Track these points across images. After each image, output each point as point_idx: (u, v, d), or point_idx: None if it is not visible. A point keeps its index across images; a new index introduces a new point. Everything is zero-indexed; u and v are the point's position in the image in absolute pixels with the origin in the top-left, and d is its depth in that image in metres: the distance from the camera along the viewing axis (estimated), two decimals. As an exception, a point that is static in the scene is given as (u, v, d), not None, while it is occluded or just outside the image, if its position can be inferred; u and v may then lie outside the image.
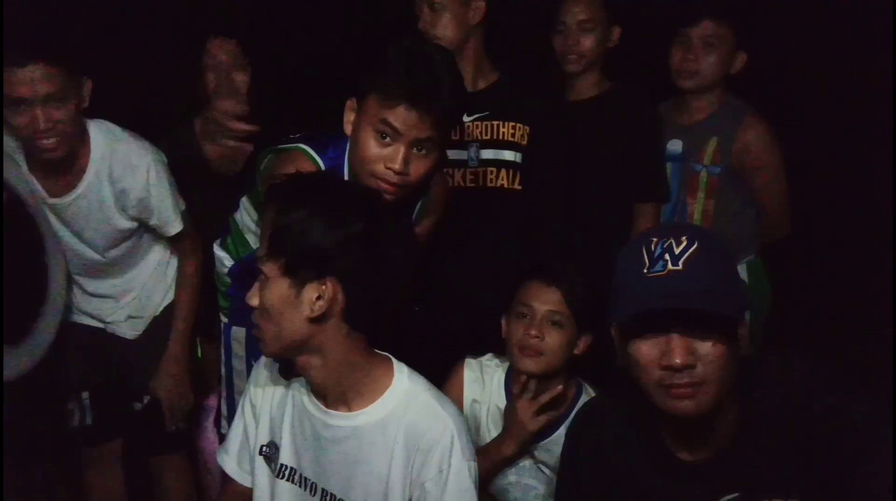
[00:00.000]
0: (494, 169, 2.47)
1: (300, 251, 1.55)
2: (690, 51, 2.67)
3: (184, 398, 2.64)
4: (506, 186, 2.48)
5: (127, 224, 2.51)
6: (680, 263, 1.45)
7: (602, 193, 2.62)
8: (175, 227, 2.54)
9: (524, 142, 2.47)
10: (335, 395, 1.64)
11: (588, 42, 2.65)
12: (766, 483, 1.50)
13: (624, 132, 2.60)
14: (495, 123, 2.47)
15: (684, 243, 1.46)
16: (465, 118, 2.46)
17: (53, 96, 2.27)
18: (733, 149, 2.66)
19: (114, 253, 2.57)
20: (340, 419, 1.64)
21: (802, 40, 3.05)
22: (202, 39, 2.68)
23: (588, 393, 2.15)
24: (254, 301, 1.58)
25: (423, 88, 1.83)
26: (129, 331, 2.68)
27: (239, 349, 2.32)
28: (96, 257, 2.55)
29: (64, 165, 2.40)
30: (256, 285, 1.59)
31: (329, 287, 1.56)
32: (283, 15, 3.41)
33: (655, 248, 1.47)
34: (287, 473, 1.70)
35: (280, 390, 1.73)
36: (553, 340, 2.07)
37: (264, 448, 1.73)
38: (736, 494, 1.52)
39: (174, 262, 2.67)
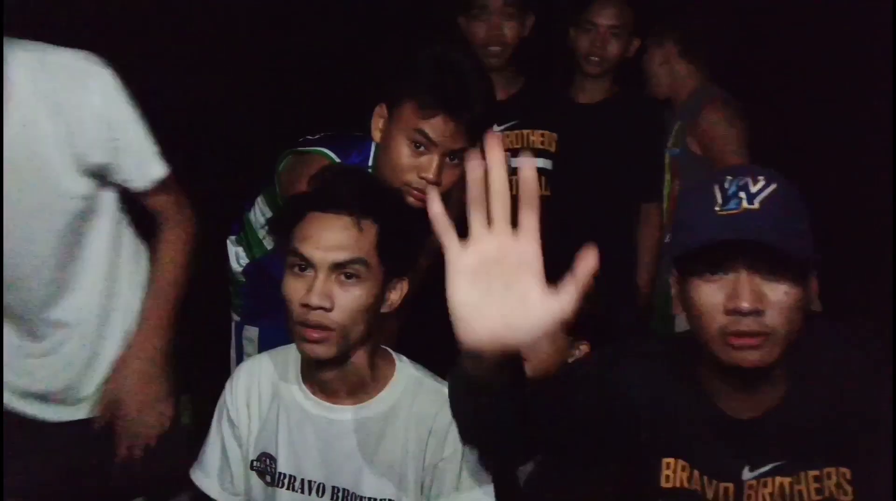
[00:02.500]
0: None
1: (404, 254, 1.60)
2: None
3: (151, 412, 1.82)
4: (539, 193, 2.49)
5: (82, 186, 1.67)
6: (756, 201, 1.34)
7: (607, 193, 2.65)
8: (157, 168, 1.79)
9: (553, 148, 2.51)
10: (345, 388, 1.63)
11: (615, 47, 2.68)
12: (814, 450, 1.44)
13: (631, 135, 2.64)
14: (525, 131, 2.51)
15: (762, 183, 1.36)
16: (496, 128, 2.48)
17: None
18: (692, 132, 2.74)
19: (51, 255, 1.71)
20: (347, 413, 1.64)
21: (803, 42, 3.06)
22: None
23: None
24: (326, 303, 1.52)
25: (460, 98, 1.82)
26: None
27: (251, 348, 2.30)
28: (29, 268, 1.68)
29: None
30: (318, 285, 1.52)
31: (405, 285, 1.62)
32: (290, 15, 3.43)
33: (729, 186, 1.36)
34: (286, 481, 1.67)
35: (265, 401, 1.70)
36: (542, 348, 2.01)
37: (255, 463, 1.70)
38: (783, 461, 1.45)
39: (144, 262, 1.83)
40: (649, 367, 1.53)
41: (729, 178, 1.38)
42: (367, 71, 2.63)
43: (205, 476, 1.76)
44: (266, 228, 1.75)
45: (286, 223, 1.59)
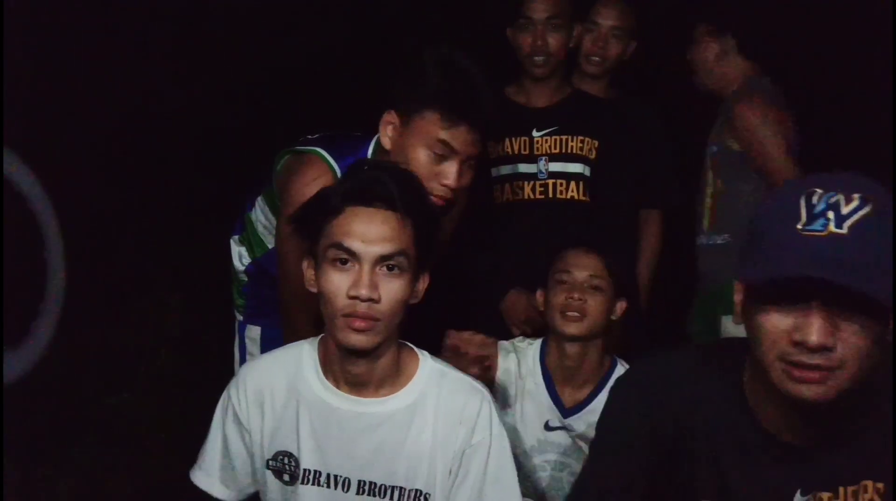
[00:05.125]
0: (563, 181, 2.55)
1: (431, 248, 1.63)
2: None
3: None
4: (576, 197, 2.56)
5: None
6: (845, 226, 1.20)
7: (606, 197, 2.66)
8: None
9: (593, 156, 2.56)
10: (373, 382, 1.63)
11: (615, 48, 2.72)
12: (858, 467, 1.38)
13: (629, 138, 2.65)
14: (564, 137, 2.57)
15: (855, 203, 1.22)
16: (535, 133, 2.57)
17: None
18: (729, 128, 2.69)
19: None
20: (374, 406, 1.64)
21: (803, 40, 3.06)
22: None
23: (624, 366, 2.15)
24: (375, 294, 1.54)
25: (479, 108, 1.88)
26: None
27: (253, 347, 2.31)
28: None
29: None
30: (365, 277, 1.54)
31: (427, 278, 1.65)
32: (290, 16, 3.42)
33: (818, 202, 1.23)
34: (311, 477, 1.66)
35: (279, 400, 1.68)
36: (595, 302, 2.09)
37: (271, 462, 1.69)
38: (828, 479, 1.38)
39: None
40: (686, 391, 1.43)
41: (819, 191, 1.25)
42: (367, 72, 2.64)
43: (206, 476, 1.75)
44: (296, 223, 1.75)
45: (321, 218, 1.59)
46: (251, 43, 3.56)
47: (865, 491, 1.38)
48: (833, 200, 1.23)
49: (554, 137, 2.57)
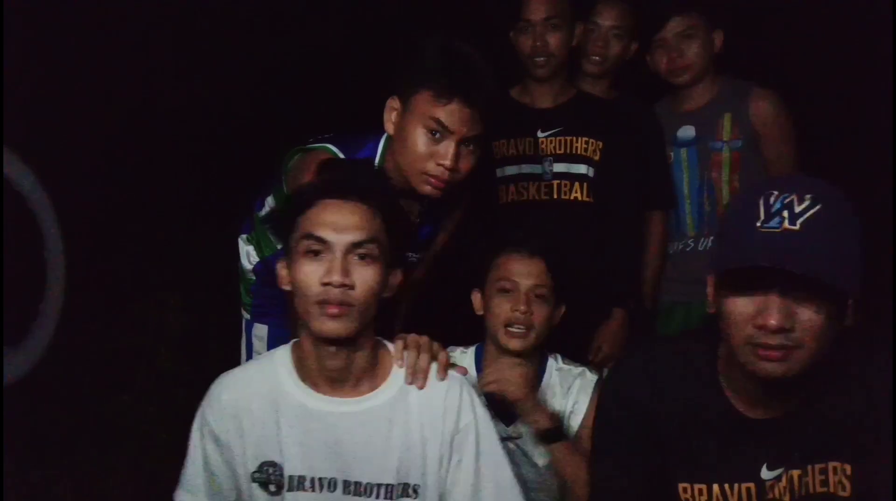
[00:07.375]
0: (568, 182, 2.57)
1: (401, 243, 1.67)
2: (672, 50, 2.72)
3: None
4: (580, 198, 2.57)
5: None
6: (798, 222, 1.36)
7: (609, 198, 2.66)
8: None
9: (597, 156, 2.57)
10: (352, 379, 1.65)
11: (616, 48, 2.73)
12: (822, 447, 1.51)
13: (632, 139, 2.66)
14: (569, 138, 2.58)
15: (807, 203, 1.37)
16: (540, 134, 2.58)
17: None
18: (751, 120, 2.70)
19: None
20: (355, 405, 1.65)
21: (800, 38, 3.07)
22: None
23: (556, 360, 2.11)
24: (349, 280, 1.57)
25: (473, 84, 1.89)
26: None
27: (260, 346, 2.31)
28: None
29: None
30: (338, 264, 1.57)
31: (399, 274, 1.68)
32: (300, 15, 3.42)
33: (774, 202, 1.39)
34: (296, 483, 1.66)
35: (257, 411, 1.67)
36: (541, 313, 2.02)
37: (255, 475, 1.67)
38: (794, 457, 1.51)
39: None
40: (661, 382, 1.56)
41: (775, 192, 1.40)
42: (375, 70, 2.64)
43: (192, 496, 1.71)
44: (268, 222, 1.75)
45: (294, 212, 1.62)
46: (254, 40, 3.56)
47: (835, 473, 1.51)
48: (787, 200, 1.38)
49: (559, 138, 2.58)
